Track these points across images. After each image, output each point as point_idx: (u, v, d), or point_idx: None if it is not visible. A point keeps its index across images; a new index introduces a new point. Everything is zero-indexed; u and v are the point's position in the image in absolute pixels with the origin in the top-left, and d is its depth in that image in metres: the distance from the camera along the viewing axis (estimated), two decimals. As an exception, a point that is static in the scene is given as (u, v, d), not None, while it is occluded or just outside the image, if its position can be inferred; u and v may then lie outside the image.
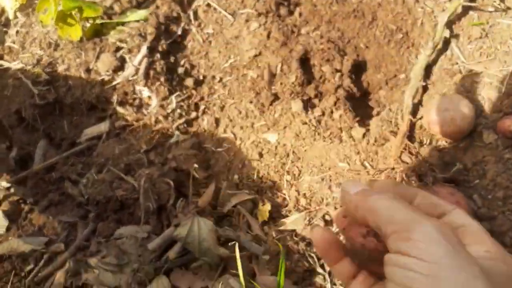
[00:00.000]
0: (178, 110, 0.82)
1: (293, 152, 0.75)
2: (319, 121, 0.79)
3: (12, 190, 0.89)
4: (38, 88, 0.85)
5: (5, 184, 0.89)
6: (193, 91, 0.84)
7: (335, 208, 0.70)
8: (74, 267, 0.71)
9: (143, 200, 0.72)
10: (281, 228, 0.68)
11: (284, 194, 0.73)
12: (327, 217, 0.70)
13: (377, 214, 0.31)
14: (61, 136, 0.90)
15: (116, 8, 0.90)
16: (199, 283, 0.66)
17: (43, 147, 0.91)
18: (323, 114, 0.80)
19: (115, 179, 0.76)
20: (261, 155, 0.76)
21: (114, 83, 0.83)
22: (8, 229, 0.83)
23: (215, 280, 0.65)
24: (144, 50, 0.81)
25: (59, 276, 0.70)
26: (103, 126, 0.84)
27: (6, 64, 0.91)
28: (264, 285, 0.63)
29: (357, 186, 0.34)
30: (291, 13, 0.91)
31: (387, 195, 0.32)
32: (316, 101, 0.81)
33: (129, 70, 0.81)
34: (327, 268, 0.65)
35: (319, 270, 0.65)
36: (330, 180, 0.71)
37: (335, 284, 0.65)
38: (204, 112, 0.84)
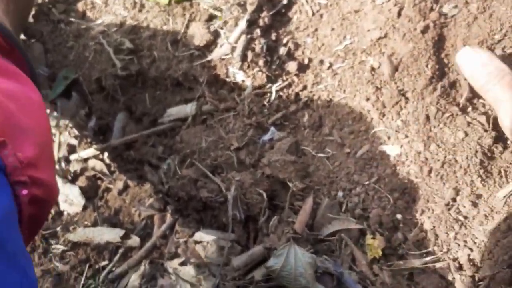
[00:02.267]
0: (276, 102, 0.68)
1: (418, 174, 0.60)
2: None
3: (89, 163, 0.83)
4: (120, 58, 0.75)
5: (83, 154, 0.84)
6: (295, 78, 0.69)
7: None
8: (150, 271, 0.65)
9: (231, 209, 0.62)
10: (396, 268, 0.55)
11: (402, 228, 0.58)
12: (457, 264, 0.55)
13: None
14: (142, 110, 0.81)
15: (212, -36, 0.74)
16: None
17: (122, 120, 0.83)
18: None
19: (200, 177, 0.66)
20: (375, 172, 0.62)
21: (204, 60, 0.71)
22: (84, 207, 0.78)
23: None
24: (243, 24, 0.66)
25: (134, 279, 0.64)
26: (189, 109, 0.74)
27: (88, 24, 0.81)
28: None
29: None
30: (431, -19, 0.70)
31: None
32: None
33: (223, 48, 0.68)
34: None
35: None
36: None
37: None
38: (306, 105, 0.69)
